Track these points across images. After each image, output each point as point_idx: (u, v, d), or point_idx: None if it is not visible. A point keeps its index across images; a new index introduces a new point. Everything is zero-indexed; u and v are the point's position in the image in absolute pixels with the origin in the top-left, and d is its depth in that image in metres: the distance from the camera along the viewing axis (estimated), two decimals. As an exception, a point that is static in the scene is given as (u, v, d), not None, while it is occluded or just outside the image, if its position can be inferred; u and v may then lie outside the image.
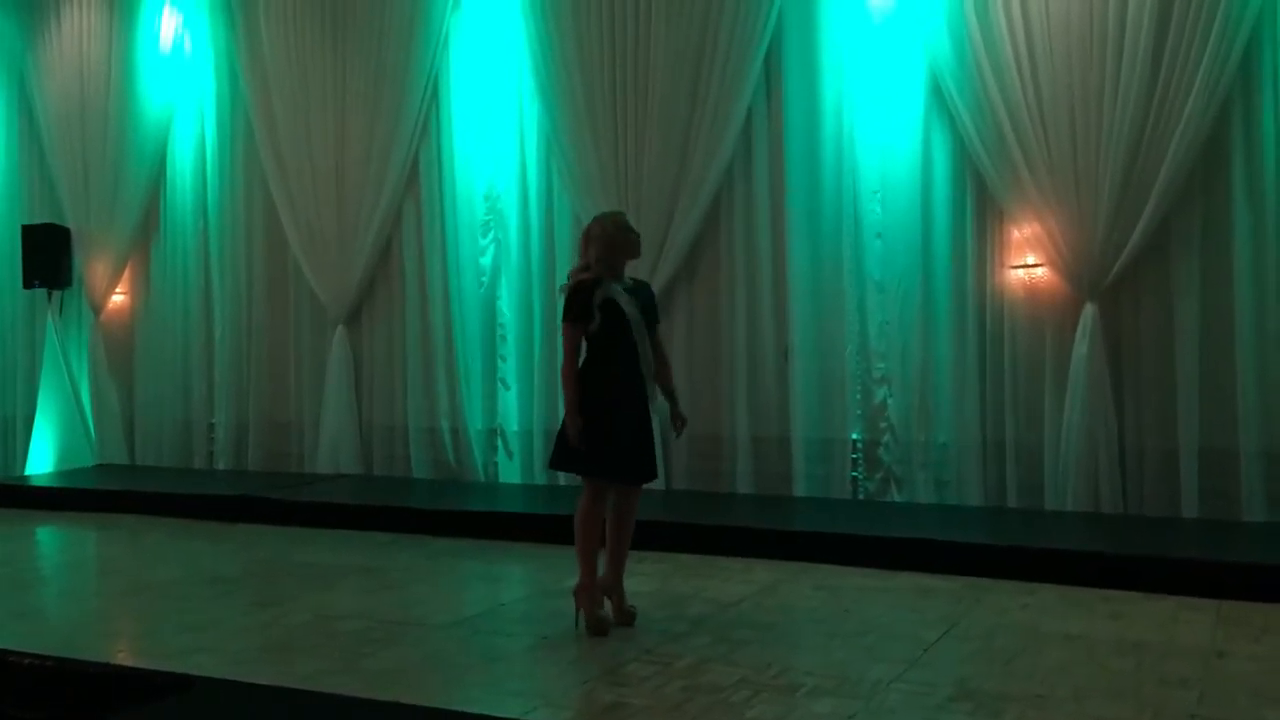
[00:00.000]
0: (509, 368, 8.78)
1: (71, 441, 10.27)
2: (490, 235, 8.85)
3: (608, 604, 5.13)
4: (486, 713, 4.09)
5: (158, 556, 7.26)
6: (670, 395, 5.25)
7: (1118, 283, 6.87)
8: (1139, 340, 6.95)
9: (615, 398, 4.96)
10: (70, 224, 10.29)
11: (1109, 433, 6.84)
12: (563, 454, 5.05)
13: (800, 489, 7.69)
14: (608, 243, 5.03)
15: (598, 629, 4.98)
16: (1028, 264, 7.18)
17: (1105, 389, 6.83)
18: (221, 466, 9.83)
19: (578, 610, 5.06)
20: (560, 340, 5.15)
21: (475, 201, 8.88)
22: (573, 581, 5.14)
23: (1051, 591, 5.62)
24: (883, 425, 7.57)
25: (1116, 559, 5.86)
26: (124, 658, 5.12)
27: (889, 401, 7.57)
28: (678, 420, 5.24)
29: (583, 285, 4.98)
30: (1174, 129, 6.57)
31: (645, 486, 5.20)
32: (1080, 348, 6.86)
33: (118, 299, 10.36)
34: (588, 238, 5.11)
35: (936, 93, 7.32)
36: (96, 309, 10.29)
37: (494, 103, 8.82)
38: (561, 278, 8.21)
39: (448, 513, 7.66)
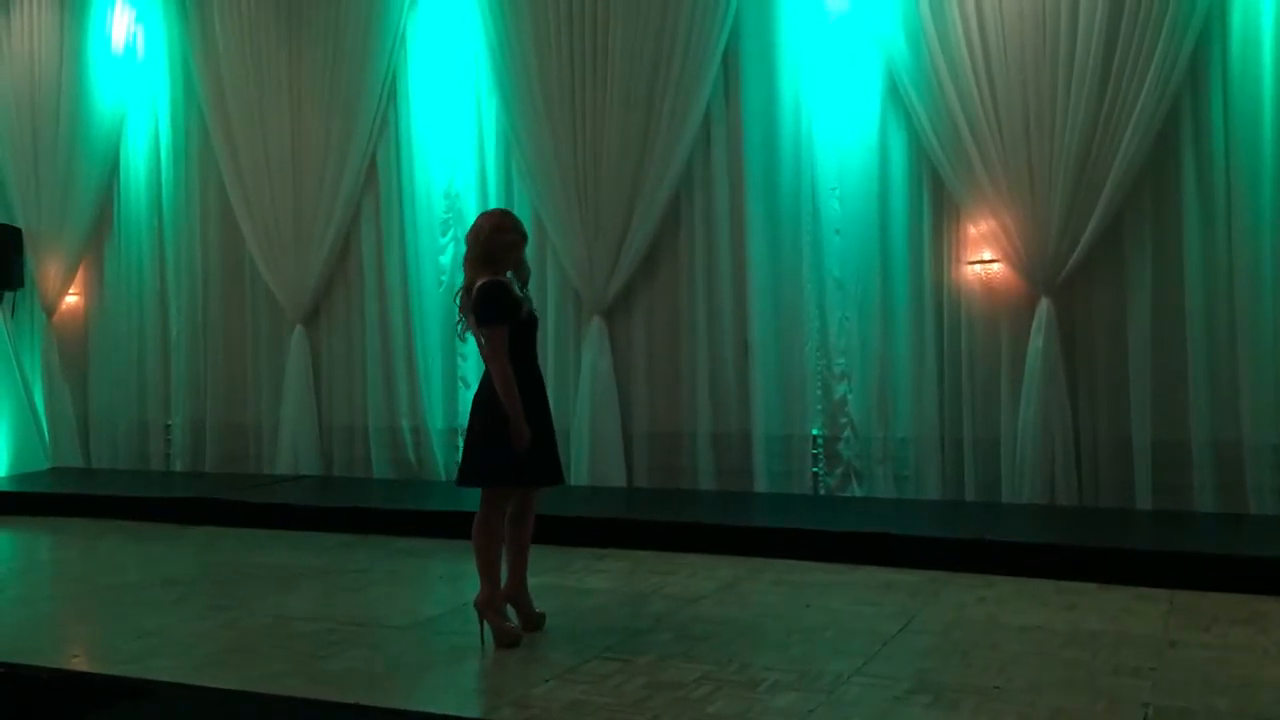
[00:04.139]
0: (469, 366, 8.74)
1: (25, 445, 10.09)
2: (450, 233, 8.79)
3: (513, 613, 4.97)
4: (449, 713, 4.09)
5: (113, 560, 7.18)
6: None
7: (1072, 277, 6.95)
8: (1093, 334, 7.03)
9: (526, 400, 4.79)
10: (22, 224, 10.13)
11: (1064, 426, 6.92)
12: (481, 469, 4.82)
13: (761, 485, 7.72)
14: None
15: (510, 640, 4.81)
16: (984, 260, 7.25)
17: (1060, 383, 6.92)
18: (178, 469, 9.72)
19: (483, 624, 4.85)
20: (483, 345, 4.82)
21: (434, 199, 8.84)
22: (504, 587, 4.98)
23: (1008, 584, 5.68)
24: (843, 421, 7.62)
25: (1071, 551, 5.93)
26: (79, 663, 5.07)
27: (849, 397, 7.61)
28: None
29: (499, 284, 4.79)
30: (1125, 125, 6.65)
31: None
32: (1035, 342, 6.93)
33: (71, 300, 10.21)
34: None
35: (893, 90, 7.37)
36: (49, 310, 10.14)
37: (453, 101, 8.78)
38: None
39: (409, 513, 7.62)
